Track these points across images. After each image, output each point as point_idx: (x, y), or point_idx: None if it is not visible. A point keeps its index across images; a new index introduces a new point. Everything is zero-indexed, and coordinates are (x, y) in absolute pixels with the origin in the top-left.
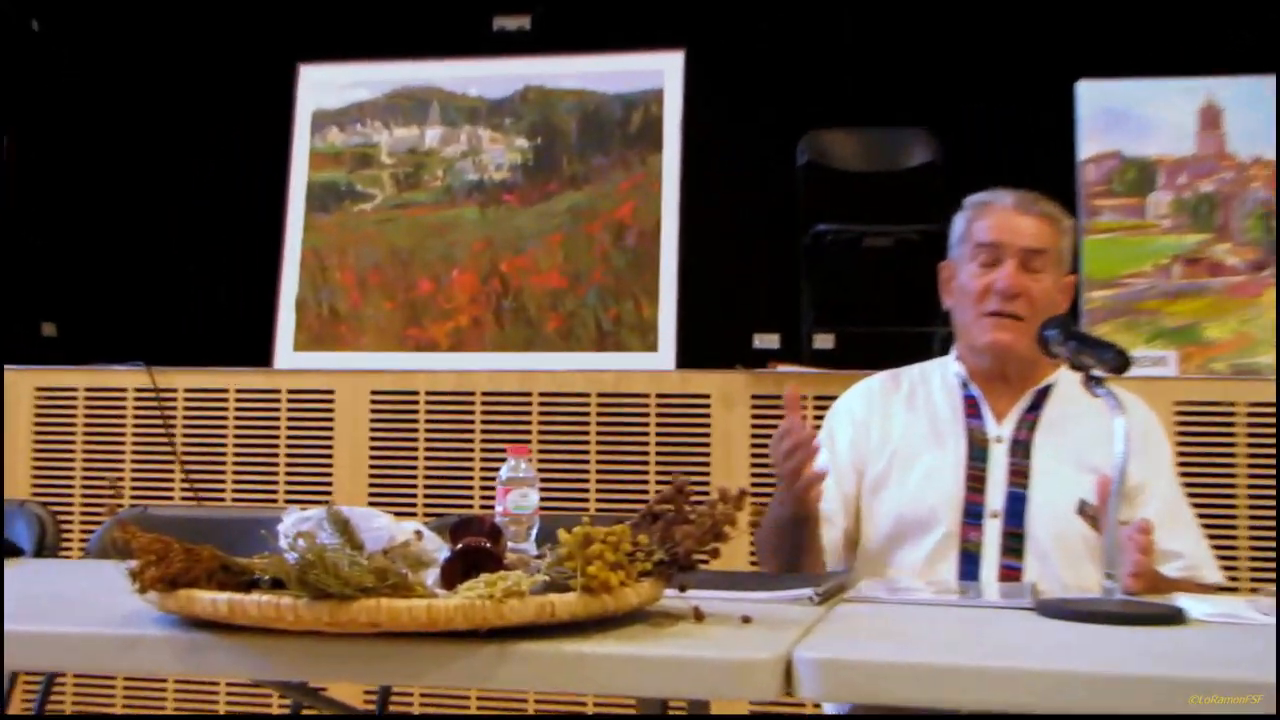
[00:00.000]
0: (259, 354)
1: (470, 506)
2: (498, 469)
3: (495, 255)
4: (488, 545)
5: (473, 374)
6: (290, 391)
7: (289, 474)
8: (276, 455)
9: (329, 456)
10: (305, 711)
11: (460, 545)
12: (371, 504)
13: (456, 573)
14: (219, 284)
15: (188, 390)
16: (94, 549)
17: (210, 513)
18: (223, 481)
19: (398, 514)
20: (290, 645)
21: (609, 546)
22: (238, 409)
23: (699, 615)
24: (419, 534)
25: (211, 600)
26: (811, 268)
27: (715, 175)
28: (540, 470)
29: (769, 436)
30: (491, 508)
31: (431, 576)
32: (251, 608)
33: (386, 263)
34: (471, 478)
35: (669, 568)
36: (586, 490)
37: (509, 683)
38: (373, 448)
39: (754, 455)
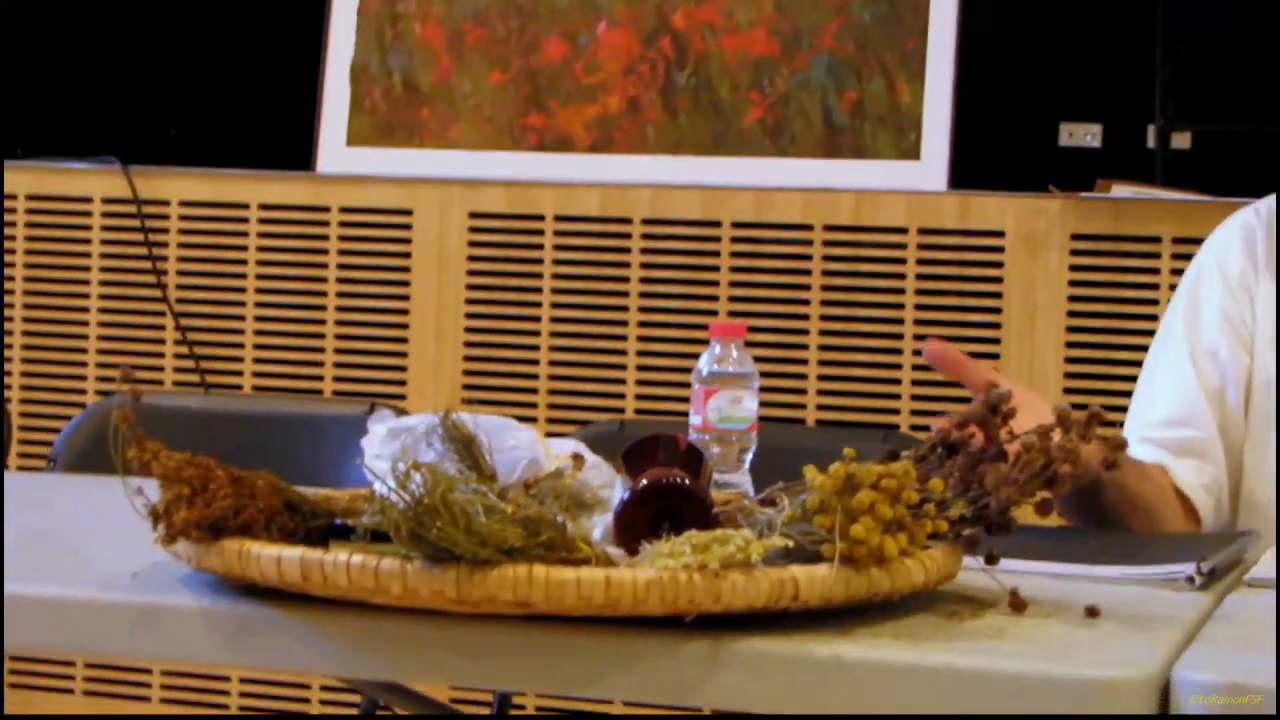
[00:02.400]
0: (294, 151)
1: (620, 410)
2: (667, 344)
3: (665, 1)
4: (686, 481)
5: (629, 189)
6: (343, 210)
7: (340, 342)
8: (323, 312)
9: (403, 314)
10: (381, 712)
11: (645, 480)
12: (467, 395)
13: (643, 525)
14: (229, 44)
15: (185, 205)
16: (61, 454)
17: (231, 402)
18: (240, 349)
19: (505, 414)
20: (393, 629)
21: (884, 495)
22: (262, 236)
23: (1018, 602)
24: (578, 459)
25: (276, 558)
26: (1172, 19)
27: None
28: None
29: (1095, 300)
30: (655, 414)
31: (599, 528)
32: (337, 572)
33: (493, 10)
34: (625, 357)
35: (974, 528)
36: (805, 386)
37: (725, 698)
38: (471, 300)
39: (1072, 330)
